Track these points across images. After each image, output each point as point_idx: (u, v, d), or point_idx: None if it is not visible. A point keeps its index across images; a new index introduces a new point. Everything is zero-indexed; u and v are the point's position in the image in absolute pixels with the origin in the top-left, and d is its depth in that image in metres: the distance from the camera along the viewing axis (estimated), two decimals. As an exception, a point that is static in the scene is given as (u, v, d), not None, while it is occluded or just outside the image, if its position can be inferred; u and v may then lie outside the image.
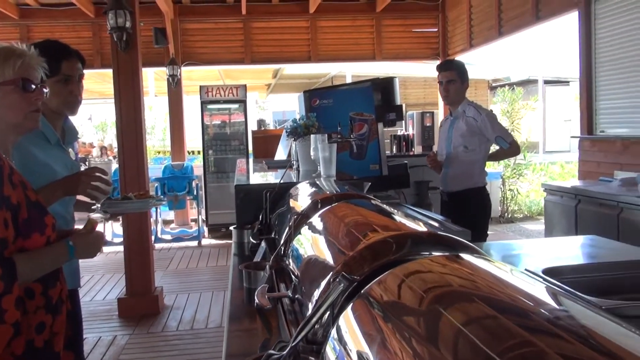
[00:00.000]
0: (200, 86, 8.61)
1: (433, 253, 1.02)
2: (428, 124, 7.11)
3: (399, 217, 1.56)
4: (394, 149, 7.14)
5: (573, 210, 3.96)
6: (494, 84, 14.26)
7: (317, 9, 7.86)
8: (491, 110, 4.11)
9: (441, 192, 4.02)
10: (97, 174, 1.97)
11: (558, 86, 14.84)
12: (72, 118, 2.29)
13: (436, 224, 2.82)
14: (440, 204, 4.08)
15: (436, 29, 8.35)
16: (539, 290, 0.79)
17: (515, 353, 0.57)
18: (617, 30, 4.52)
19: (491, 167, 8.22)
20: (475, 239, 3.44)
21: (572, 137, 5.43)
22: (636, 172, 4.00)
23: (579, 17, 4.92)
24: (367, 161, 4.16)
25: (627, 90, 4.46)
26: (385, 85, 4.38)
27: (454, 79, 3.79)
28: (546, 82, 14.06)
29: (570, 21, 5.35)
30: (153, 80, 12.51)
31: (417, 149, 7.08)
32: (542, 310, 0.68)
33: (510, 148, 3.75)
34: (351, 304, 0.91)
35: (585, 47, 4.86)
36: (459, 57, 7.92)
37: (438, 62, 8.41)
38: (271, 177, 3.27)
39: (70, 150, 2.31)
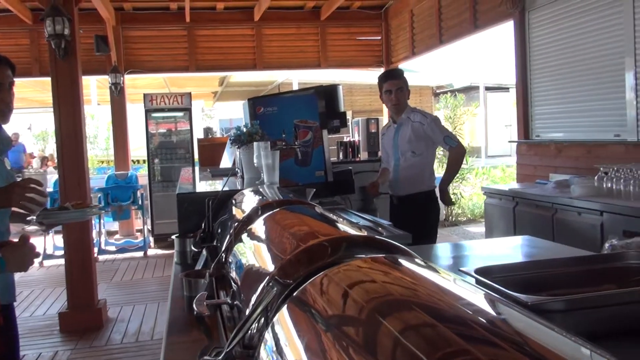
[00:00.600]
0: (144, 94, 8.48)
1: (368, 256, 1.04)
2: (373, 131, 7.20)
3: (337, 222, 1.58)
4: (341, 156, 7.21)
5: (511, 212, 4.10)
6: (437, 91, 14.60)
7: (261, 17, 7.87)
8: (436, 116, 4.17)
9: (391, 196, 4.05)
10: (32, 185, 1.92)
11: (499, 92, 15.31)
12: (6, 127, 2.23)
13: (379, 228, 2.87)
14: (390, 208, 4.11)
15: (379, 37, 8.49)
16: (460, 289, 0.83)
17: (429, 348, 0.60)
18: (550, 39, 4.72)
19: (435, 171, 8.39)
20: (427, 241, 3.50)
21: (509, 141, 5.63)
22: (569, 174, 4.18)
23: (514, 26, 5.11)
24: (312, 168, 4.18)
25: (560, 96, 4.65)
26: (329, 93, 4.43)
27: (402, 86, 3.87)
28: (487, 88, 14.48)
29: (507, 30, 5.54)
30: (95, 89, 12.23)
31: (363, 155, 7.16)
32: (461, 307, 0.72)
33: (458, 146, 3.81)
34: (283, 307, 0.93)
35: (521, 55, 5.05)
36: (402, 65, 8.09)
37: (382, 69, 8.57)
38: (215, 186, 3.25)
39: (5, 159, 2.24)
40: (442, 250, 2.35)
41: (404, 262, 0.96)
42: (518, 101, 5.17)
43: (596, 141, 4.21)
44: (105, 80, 8.77)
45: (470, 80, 14.48)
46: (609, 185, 3.44)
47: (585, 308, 1.27)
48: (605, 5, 4.10)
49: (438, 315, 0.68)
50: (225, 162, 5.14)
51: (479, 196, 8.93)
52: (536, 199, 3.85)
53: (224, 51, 8.26)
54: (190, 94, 8.64)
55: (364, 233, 1.34)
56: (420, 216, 3.76)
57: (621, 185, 3.33)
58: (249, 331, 1.03)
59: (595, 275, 1.56)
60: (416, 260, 1.02)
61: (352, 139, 7.42)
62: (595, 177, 3.56)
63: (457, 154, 3.89)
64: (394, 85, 3.87)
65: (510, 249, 2.30)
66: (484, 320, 0.64)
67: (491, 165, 11.62)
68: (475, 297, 0.78)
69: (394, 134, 3.95)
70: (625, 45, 3.93)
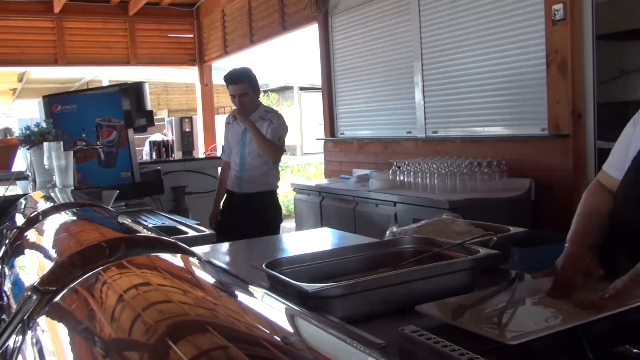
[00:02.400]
0: None
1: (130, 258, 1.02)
2: (187, 130, 7.09)
3: (126, 224, 1.53)
4: (154, 155, 6.99)
5: (318, 207, 4.30)
6: (254, 91, 14.77)
7: (62, 9, 7.32)
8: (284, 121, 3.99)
9: (231, 194, 3.85)
10: None
11: (312, 92, 15.94)
12: None
13: (184, 228, 2.83)
14: (226, 205, 3.91)
15: (192, 35, 8.36)
16: (223, 284, 0.85)
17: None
18: (350, 42, 5.02)
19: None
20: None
21: (317, 139, 5.90)
22: (370, 169, 4.48)
23: (319, 29, 5.36)
24: (117, 169, 4.01)
25: (361, 97, 4.98)
26: (134, 90, 4.28)
27: (246, 92, 3.61)
28: (302, 88, 15.02)
29: (315, 32, 5.78)
30: None
31: (177, 155, 7.01)
32: (215, 303, 0.73)
33: (280, 148, 3.68)
34: (41, 317, 0.87)
35: (325, 57, 5.31)
36: (215, 64, 8.07)
37: (196, 68, 8.47)
38: (16, 191, 2.96)
39: None
40: (243, 246, 2.39)
41: (171, 262, 0.96)
42: (324, 101, 5.43)
43: (392, 138, 4.58)
44: None
45: (285, 80, 14.90)
46: (402, 178, 3.75)
47: (361, 291, 1.36)
48: (396, 13, 4.46)
49: (182, 314, 0.69)
50: (21, 165, 4.72)
51: (294, 192, 9.22)
52: (340, 193, 4.08)
53: (20, 44, 7.53)
54: (-22, 91, 7.78)
55: (149, 234, 1.32)
56: (265, 215, 3.71)
57: (411, 177, 3.66)
58: (12, 345, 0.95)
59: (376, 261, 1.68)
60: (190, 259, 1.02)
61: (165, 139, 7.23)
62: (390, 171, 3.87)
63: (276, 149, 3.68)
64: (236, 91, 3.61)
65: (309, 242, 2.41)
66: (222, 316, 0.66)
67: (306, 162, 12.07)
68: (234, 292, 0.80)
69: (242, 132, 3.73)
70: (413, 50, 4.31)
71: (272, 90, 12.98)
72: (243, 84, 3.62)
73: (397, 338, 1.16)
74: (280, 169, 9.45)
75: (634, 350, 1.12)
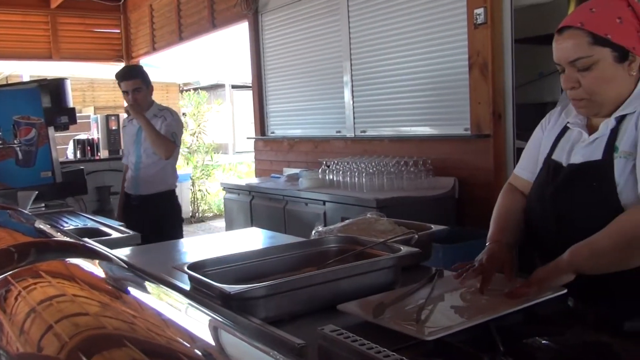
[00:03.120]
0: None
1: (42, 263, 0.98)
2: (114, 128, 6.87)
3: (40, 227, 1.47)
4: (79, 154, 6.75)
5: (248, 206, 4.28)
6: (185, 88, 14.54)
7: (-23, 0, 6.96)
8: (179, 116, 3.98)
9: (127, 195, 3.83)
10: None
11: (244, 90, 15.82)
12: None
13: (107, 229, 2.75)
14: (124, 208, 3.90)
15: (119, 31, 8.13)
16: (134, 288, 0.83)
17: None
18: (280, 41, 5.02)
19: (181, 168, 8.36)
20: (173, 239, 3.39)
21: (247, 138, 5.87)
22: (300, 168, 4.50)
23: (249, 27, 5.32)
24: (37, 168, 3.85)
25: (291, 96, 4.99)
26: (55, 87, 4.12)
27: (139, 87, 3.62)
28: (234, 86, 14.89)
29: (245, 31, 5.74)
30: None
31: (104, 154, 6.79)
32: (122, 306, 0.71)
33: (174, 144, 3.62)
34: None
35: (255, 55, 5.28)
36: (143, 60, 7.88)
37: (122, 64, 8.23)
38: None
39: None
40: (167, 247, 2.34)
41: (84, 267, 0.93)
42: (254, 99, 5.41)
43: (322, 137, 4.62)
44: None
45: (217, 78, 14.71)
46: (331, 177, 3.79)
47: (283, 292, 1.36)
48: (325, 14, 4.49)
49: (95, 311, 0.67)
50: None
51: (224, 192, 9.14)
52: (270, 192, 4.07)
53: None
54: None
55: (62, 237, 1.27)
56: (163, 216, 3.66)
57: (340, 176, 3.69)
58: None
59: (301, 260, 1.69)
60: (105, 263, 0.99)
61: (90, 137, 6.98)
62: (319, 170, 3.90)
63: (168, 143, 3.59)
64: (129, 86, 3.62)
65: (236, 242, 2.39)
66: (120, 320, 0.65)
67: (238, 161, 11.98)
68: (138, 293, 0.78)
69: (137, 131, 3.72)
70: (342, 50, 4.35)
71: (203, 88, 12.79)
72: (136, 79, 3.65)
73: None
74: (212, 167, 9.33)
75: (542, 342, 1.18)
